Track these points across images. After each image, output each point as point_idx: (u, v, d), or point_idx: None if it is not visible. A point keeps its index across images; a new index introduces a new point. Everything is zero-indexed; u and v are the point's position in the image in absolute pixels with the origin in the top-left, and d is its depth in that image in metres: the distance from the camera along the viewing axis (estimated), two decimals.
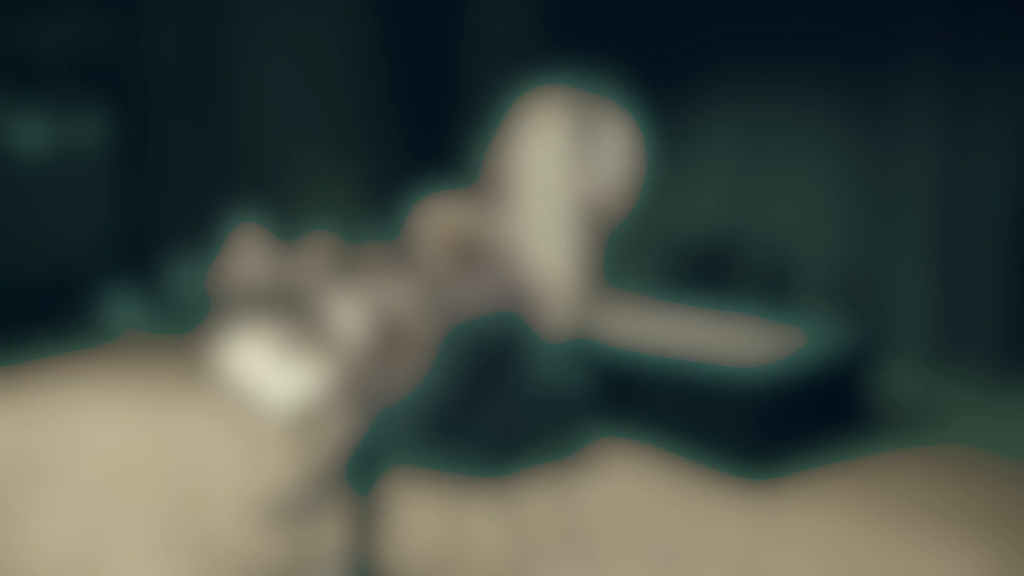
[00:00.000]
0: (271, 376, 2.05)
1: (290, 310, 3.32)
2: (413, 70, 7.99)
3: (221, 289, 5.26)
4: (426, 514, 2.54)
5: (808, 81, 4.62)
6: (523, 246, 4.78)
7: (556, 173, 4.36)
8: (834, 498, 2.50)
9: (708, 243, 5.41)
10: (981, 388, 3.79)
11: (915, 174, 4.13)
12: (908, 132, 4.16)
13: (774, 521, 2.35)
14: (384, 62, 8.06)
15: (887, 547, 2.13)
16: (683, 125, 5.44)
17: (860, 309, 4.40)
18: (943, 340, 4.02)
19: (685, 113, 5.44)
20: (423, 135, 8.07)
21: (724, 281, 5.34)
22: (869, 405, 3.23)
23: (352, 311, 3.14)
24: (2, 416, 4.52)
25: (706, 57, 5.26)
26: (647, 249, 4.04)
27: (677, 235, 5.60)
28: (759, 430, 2.69)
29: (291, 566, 2.15)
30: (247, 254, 5.35)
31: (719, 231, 5.27)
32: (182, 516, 2.68)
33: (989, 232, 3.77)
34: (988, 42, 3.77)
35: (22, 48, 11.21)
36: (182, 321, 5.54)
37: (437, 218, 1.97)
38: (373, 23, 7.98)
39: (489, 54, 6.98)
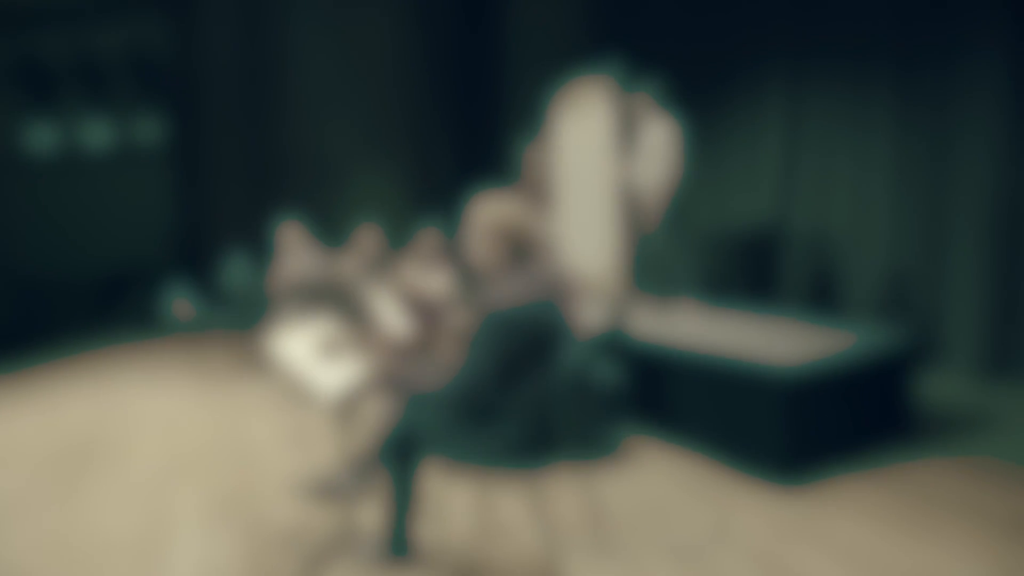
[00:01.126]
0: (320, 364, 2.19)
1: (337, 303, 3.48)
2: (458, 68, 8.14)
3: (272, 284, 5.52)
4: (460, 497, 2.65)
5: (859, 81, 4.55)
6: (565, 239, 4.79)
7: (599, 167, 4.37)
8: (868, 501, 2.50)
9: (752, 241, 5.36)
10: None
11: (969, 178, 4.02)
12: (963, 135, 4.05)
13: (801, 521, 2.37)
14: (429, 60, 8.23)
15: (914, 550, 2.13)
16: (728, 122, 5.40)
17: (907, 313, 4.31)
18: (993, 349, 3.91)
19: (732, 110, 5.39)
20: (469, 133, 8.21)
21: (768, 279, 5.28)
22: (912, 410, 3.19)
23: (393, 305, 3.28)
24: (75, 398, 4.86)
25: (754, 55, 5.23)
26: (691, 243, 4.19)
27: (720, 231, 5.57)
28: (792, 430, 2.70)
29: (334, 540, 2.29)
30: (296, 250, 5.61)
31: (764, 229, 5.22)
32: (235, 493, 2.87)
33: None
34: None
35: (86, 54, 11.85)
36: (236, 314, 5.82)
37: (481, 212, 2.02)
38: (419, 23, 8.16)
39: (533, 50, 7.05)
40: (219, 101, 8.74)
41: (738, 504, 2.55)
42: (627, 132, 4.32)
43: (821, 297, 4.86)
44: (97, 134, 12.42)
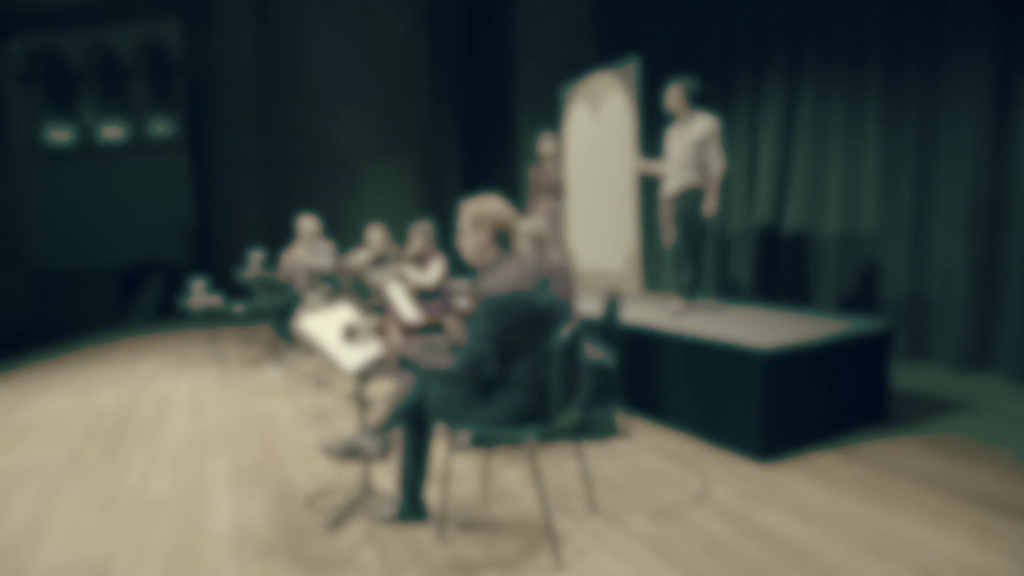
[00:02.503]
0: (343, 342, 2.47)
1: (352, 289, 3.76)
2: (468, 68, 8.38)
3: (283, 271, 5.81)
4: (466, 465, 2.93)
5: (849, 85, 4.76)
6: (579, 234, 4.95)
7: (618, 163, 4.54)
8: (836, 472, 2.75)
9: (749, 241, 5.59)
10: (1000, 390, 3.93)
11: (951, 179, 4.24)
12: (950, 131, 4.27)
13: (771, 488, 2.63)
14: (439, 60, 8.47)
15: (875, 513, 2.38)
16: (729, 127, 5.61)
17: (893, 309, 4.54)
18: (972, 343, 4.14)
19: (732, 115, 5.61)
20: (478, 131, 8.46)
21: (765, 277, 5.51)
22: (887, 396, 3.43)
23: (403, 294, 3.56)
24: (105, 382, 5.17)
25: (753, 60, 5.44)
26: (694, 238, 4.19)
27: (719, 232, 5.81)
28: (768, 407, 2.95)
29: (353, 500, 2.57)
30: (311, 242, 5.89)
31: (761, 229, 5.44)
32: (262, 462, 3.16)
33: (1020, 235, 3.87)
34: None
35: (104, 53, 12.17)
36: (254, 304, 6.11)
37: (466, 210, 2.27)
38: (429, 23, 8.40)
39: (540, 50, 7.27)
40: (234, 99, 9.02)
41: (716, 474, 2.82)
42: (633, 124, 4.43)
43: (814, 294, 5.09)
44: (114, 130, 12.74)
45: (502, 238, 2.24)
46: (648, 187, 6.22)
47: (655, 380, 3.56)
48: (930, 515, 2.37)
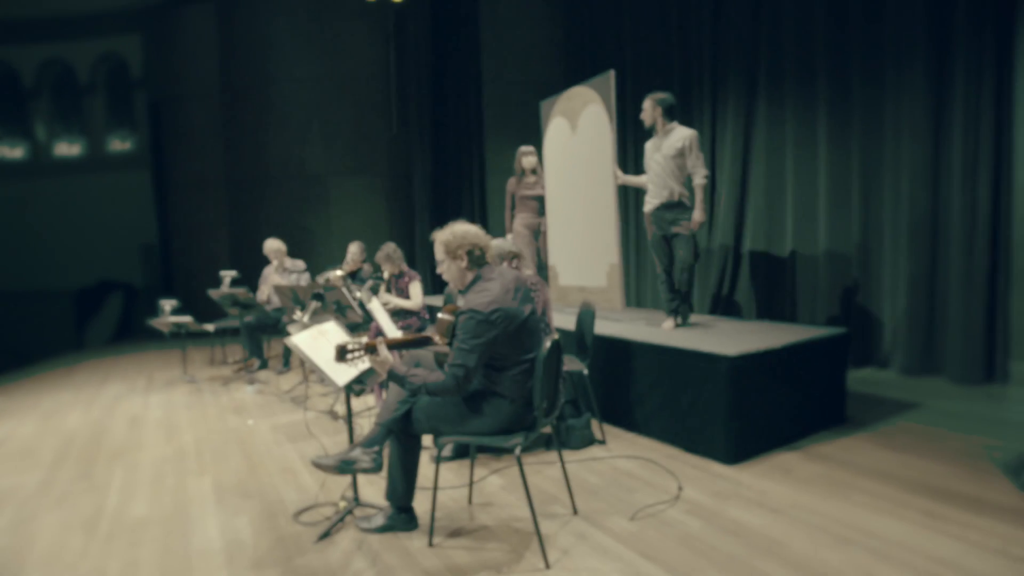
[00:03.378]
0: (330, 359, 2.53)
1: (332, 306, 3.81)
2: (435, 86, 8.51)
3: (260, 292, 5.79)
4: (453, 474, 3.01)
5: (800, 107, 5.07)
6: (559, 250, 4.94)
7: (596, 178, 4.53)
8: (798, 469, 2.93)
9: (712, 252, 5.82)
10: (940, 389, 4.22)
11: (893, 197, 4.56)
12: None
13: (739, 486, 2.79)
14: (407, 78, 8.59)
15: (832, 503, 2.56)
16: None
17: (848, 320, 4.82)
18: (918, 350, 4.43)
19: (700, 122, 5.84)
20: (446, 148, 8.58)
21: (727, 294, 5.74)
22: (843, 399, 3.66)
23: (380, 306, 3.63)
24: (71, 405, 5.05)
25: (712, 81, 5.72)
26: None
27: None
28: (733, 412, 3.13)
29: (342, 511, 2.62)
30: (281, 262, 5.91)
31: (722, 247, 5.68)
32: (244, 478, 3.17)
33: (967, 244, 4.17)
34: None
35: (62, 68, 11.89)
36: (222, 323, 6.05)
37: (441, 235, 2.38)
38: (396, 43, 8.52)
39: (507, 68, 7.45)
40: (198, 116, 8.94)
41: (688, 476, 2.97)
42: (605, 136, 4.39)
43: (773, 308, 5.33)
44: (70, 147, 12.42)
45: (476, 258, 2.36)
46: (629, 202, 6.43)
47: (628, 390, 3.71)
48: (884, 505, 2.57)
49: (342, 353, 2.22)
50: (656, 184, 4.00)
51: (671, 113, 3.98)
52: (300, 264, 5.95)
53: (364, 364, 2.48)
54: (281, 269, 5.86)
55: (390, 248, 4.79)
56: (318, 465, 2.38)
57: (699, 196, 3.88)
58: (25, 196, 11.89)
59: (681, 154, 3.89)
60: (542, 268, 5.37)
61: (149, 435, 4.06)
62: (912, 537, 2.30)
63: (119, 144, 12.36)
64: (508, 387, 2.30)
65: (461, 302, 2.39)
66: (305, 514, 2.71)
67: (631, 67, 6.59)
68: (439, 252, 2.38)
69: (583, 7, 7.36)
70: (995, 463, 2.94)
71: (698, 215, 3.89)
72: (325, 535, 2.49)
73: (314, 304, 3.81)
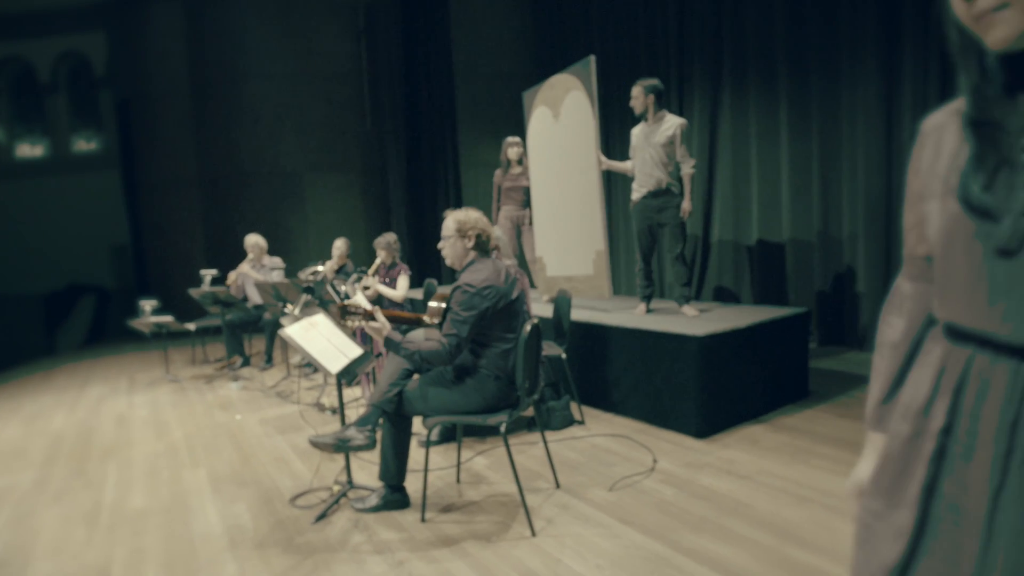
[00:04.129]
0: (323, 350, 2.65)
1: (316, 301, 3.91)
2: (408, 83, 8.57)
3: (234, 289, 5.83)
4: (442, 455, 3.16)
5: (763, 97, 5.29)
6: (544, 240, 4.98)
7: (580, 167, 4.55)
8: (763, 440, 3.15)
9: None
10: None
11: (851, 182, 4.82)
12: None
13: (709, 457, 2.99)
14: (379, 76, 8.63)
15: (794, 469, 2.78)
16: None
17: (812, 301, 5.08)
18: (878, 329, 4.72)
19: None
20: (420, 145, 8.65)
21: (697, 280, 5.95)
22: (806, 375, 3.90)
23: (365, 300, 3.75)
24: (54, 406, 5.06)
25: (678, 73, 5.92)
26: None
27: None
28: (703, 388, 3.33)
29: (337, 494, 2.74)
30: (259, 258, 5.95)
31: (691, 231, 5.89)
32: (238, 468, 3.27)
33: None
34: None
35: (22, 66, 11.61)
36: (202, 321, 6.09)
37: (451, 218, 2.55)
38: (369, 41, 8.55)
39: (478, 63, 7.55)
40: (167, 114, 8.85)
41: (662, 449, 3.17)
42: (586, 125, 4.29)
43: (740, 292, 5.58)
44: (32, 148, 12.14)
45: (482, 243, 2.54)
46: (615, 188, 6.58)
47: (605, 372, 3.90)
48: (842, 468, 2.79)
49: (344, 312, 2.36)
50: (644, 173, 4.01)
51: (660, 100, 3.98)
52: (277, 261, 6.00)
53: (355, 351, 2.61)
54: (258, 265, 5.91)
55: (391, 238, 4.90)
56: (316, 444, 2.51)
57: (688, 185, 3.96)
58: None
59: (671, 143, 3.90)
60: (522, 262, 5.40)
61: (138, 433, 4.12)
62: None
63: (84, 144, 12.13)
64: (492, 363, 2.46)
65: (442, 290, 2.53)
66: (301, 499, 2.83)
67: (599, 59, 6.75)
68: (449, 228, 2.54)
69: (551, 1, 7.50)
70: None
71: (687, 204, 3.96)
72: (322, 516, 2.62)
73: (304, 297, 3.91)
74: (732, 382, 3.47)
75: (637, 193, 4.09)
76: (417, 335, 2.61)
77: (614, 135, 6.50)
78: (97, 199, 11.36)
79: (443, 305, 2.47)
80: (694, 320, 3.76)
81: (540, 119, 5.12)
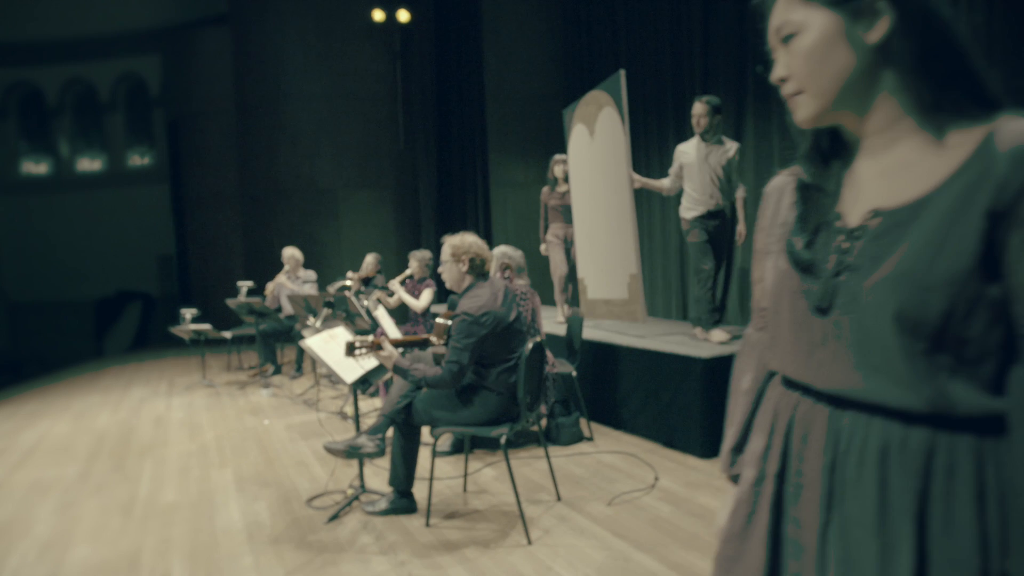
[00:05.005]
0: (339, 360, 2.84)
1: (341, 313, 4.13)
2: (441, 103, 8.87)
3: (270, 299, 6.12)
4: (449, 466, 3.30)
5: (759, 118, 5.36)
6: (584, 258, 5.00)
7: (616, 186, 4.53)
8: None
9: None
10: None
11: None
12: None
13: (709, 477, 3.06)
14: (413, 97, 8.96)
15: None
16: (663, 158, 6.15)
17: None
18: None
19: (667, 146, 6.14)
20: (451, 163, 8.92)
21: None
22: None
23: (386, 313, 3.95)
24: (99, 407, 5.41)
25: (683, 94, 6.03)
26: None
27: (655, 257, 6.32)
28: (708, 408, 3.40)
29: (350, 497, 2.91)
30: (295, 270, 6.24)
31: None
32: (262, 470, 3.48)
33: None
34: None
35: (84, 86, 12.40)
36: (238, 330, 6.40)
37: (448, 243, 2.70)
38: (403, 63, 8.90)
39: (508, 86, 7.77)
40: (214, 133, 9.36)
41: (664, 468, 3.25)
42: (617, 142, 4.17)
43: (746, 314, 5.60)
44: (91, 162, 12.91)
45: (477, 267, 2.68)
46: (650, 208, 6.61)
47: (614, 390, 3.99)
48: None
49: (350, 349, 2.53)
50: (702, 192, 3.89)
51: (721, 120, 3.89)
52: (311, 275, 6.28)
53: (371, 361, 2.79)
54: (293, 276, 6.20)
55: (427, 255, 5.04)
56: (329, 449, 2.69)
57: (742, 209, 3.93)
58: (48, 210, 12.36)
59: (731, 164, 3.86)
60: (572, 277, 5.17)
61: (173, 433, 4.39)
62: None
63: (138, 160, 12.82)
64: (494, 381, 2.61)
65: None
66: (316, 500, 3.01)
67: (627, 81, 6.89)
68: (446, 253, 2.70)
69: (580, 25, 7.70)
70: None
71: (742, 228, 3.93)
72: (334, 517, 2.79)
73: (326, 311, 4.13)
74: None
75: (692, 212, 3.95)
76: (427, 357, 2.77)
77: (638, 153, 6.62)
78: (147, 211, 11.99)
79: (448, 323, 2.62)
80: (702, 342, 3.83)
81: (578, 137, 4.97)
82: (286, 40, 8.55)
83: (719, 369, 3.43)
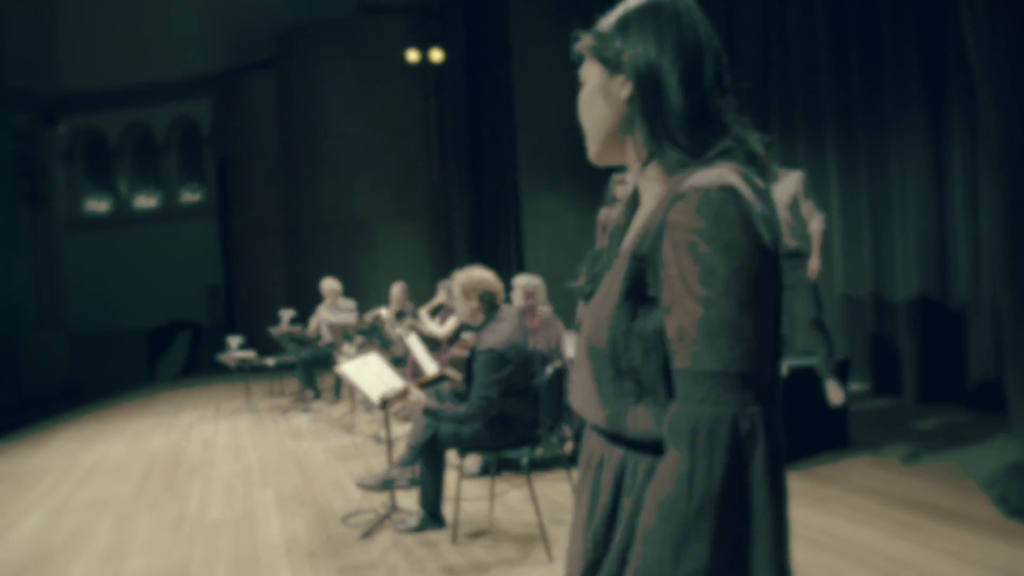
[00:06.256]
0: (372, 384, 3.03)
1: (376, 341, 4.34)
2: (474, 138, 9.19)
3: (312, 328, 6.40)
4: (475, 487, 3.42)
5: (810, 148, 5.42)
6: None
7: None
8: (791, 485, 3.20)
9: None
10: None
11: (901, 232, 4.82)
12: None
13: None
14: (447, 132, 9.31)
15: (818, 516, 2.83)
16: None
17: (860, 349, 5.04)
18: (921, 379, 4.62)
19: None
20: (484, 196, 9.20)
21: None
22: (844, 423, 3.90)
23: (418, 341, 4.15)
24: (152, 430, 5.73)
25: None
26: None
27: None
28: None
29: (382, 517, 3.06)
30: (335, 300, 6.52)
31: None
32: (301, 490, 3.67)
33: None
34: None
35: (140, 129, 13.23)
36: (280, 357, 6.69)
37: (459, 278, 2.84)
38: (437, 99, 9.28)
39: (540, 120, 8.02)
40: (259, 170, 9.89)
41: None
42: None
43: (793, 343, 5.58)
44: (147, 200, 13.72)
45: (488, 301, 2.81)
46: None
47: None
48: (863, 516, 2.84)
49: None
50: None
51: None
52: (351, 304, 6.55)
53: (398, 385, 2.97)
54: (334, 307, 6.48)
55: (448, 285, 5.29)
56: (363, 486, 2.84)
57: (817, 242, 3.55)
58: (108, 245, 13.14)
59: (794, 199, 3.55)
60: None
61: (219, 454, 4.64)
62: (880, 542, 2.58)
63: (190, 196, 13.55)
64: (514, 407, 2.74)
65: (467, 335, 2.84)
66: (351, 518, 3.17)
67: None
68: (456, 290, 2.86)
69: None
70: (975, 479, 3.15)
71: (815, 263, 3.56)
72: (367, 534, 2.94)
73: (360, 339, 4.34)
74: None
75: None
76: (445, 393, 2.90)
77: None
78: (197, 245, 12.62)
79: (464, 353, 2.76)
80: None
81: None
82: (326, 82, 9.05)
83: None
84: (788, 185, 3.56)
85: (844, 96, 5.13)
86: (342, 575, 2.58)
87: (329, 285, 6.51)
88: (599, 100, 0.85)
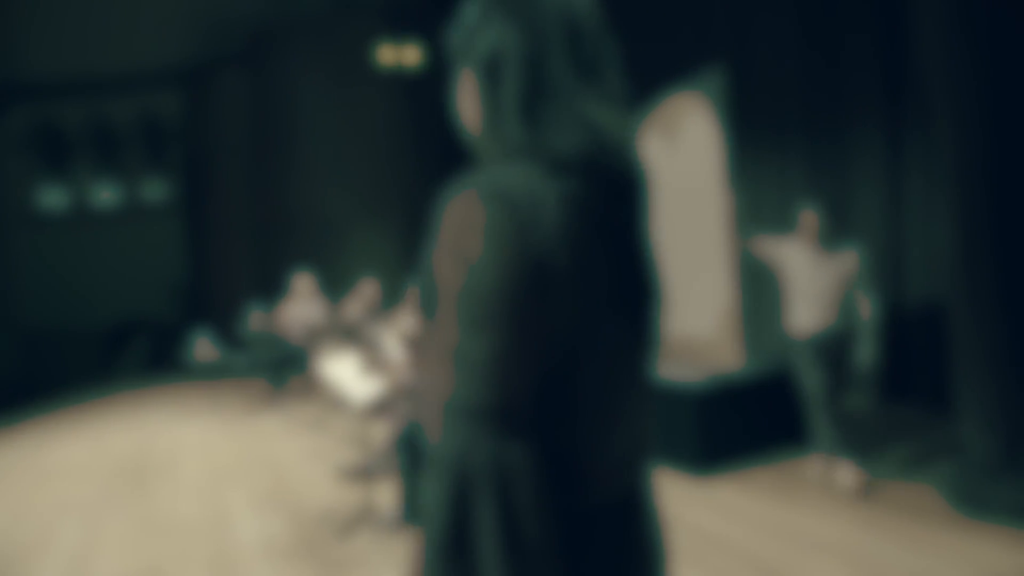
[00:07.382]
0: (351, 383, 3.02)
1: (351, 339, 4.32)
2: (444, 137, 9.19)
3: (278, 325, 6.32)
4: None
5: (777, 151, 5.59)
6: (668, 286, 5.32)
7: (704, 197, 4.34)
8: (756, 481, 3.32)
9: None
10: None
11: (861, 232, 5.02)
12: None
13: (703, 495, 3.19)
14: (418, 132, 9.29)
15: (781, 509, 2.95)
16: None
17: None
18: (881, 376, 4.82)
19: None
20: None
21: None
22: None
23: (393, 339, 4.15)
24: (115, 430, 5.57)
25: None
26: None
27: None
28: (702, 431, 3.54)
29: (359, 515, 3.06)
30: (305, 297, 6.46)
31: None
32: (274, 489, 3.63)
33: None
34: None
35: (100, 121, 12.83)
36: (252, 356, 6.58)
37: None
38: (409, 98, 9.25)
39: None
40: (229, 166, 9.70)
41: (661, 485, 3.39)
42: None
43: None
44: (107, 194, 13.29)
45: None
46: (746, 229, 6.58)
47: None
48: (827, 509, 2.96)
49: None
50: (817, 305, 3.18)
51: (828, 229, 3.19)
52: (322, 302, 6.49)
53: (380, 386, 2.97)
54: (303, 304, 6.40)
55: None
56: (342, 472, 2.84)
57: (871, 331, 3.13)
58: (63, 240, 12.69)
59: (848, 282, 3.17)
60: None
61: (188, 456, 4.55)
62: (845, 535, 2.70)
63: (153, 191, 13.18)
64: None
65: None
66: (328, 517, 3.16)
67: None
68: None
69: None
70: (927, 474, 3.32)
71: (868, 352, 3.14)
72: (346, 532, 2.94)
73: (337, 338, 4.32)
74: (731, 427, 3.67)
75: (806, 327, 3.22)
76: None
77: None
78: (159, 240, 12.30)
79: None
80: (694, 371, 3.98)
81: (653, 148, 4.28)
82: (299, 80, 8.93)
83: (712, 396, 3.59)
84: (848, 264, 3.19)
85: (808, 104, 5.31)
86: (322, 571, 2.58)
87: (301, 281, 6.43)
88: (462, 96, 0.82)
